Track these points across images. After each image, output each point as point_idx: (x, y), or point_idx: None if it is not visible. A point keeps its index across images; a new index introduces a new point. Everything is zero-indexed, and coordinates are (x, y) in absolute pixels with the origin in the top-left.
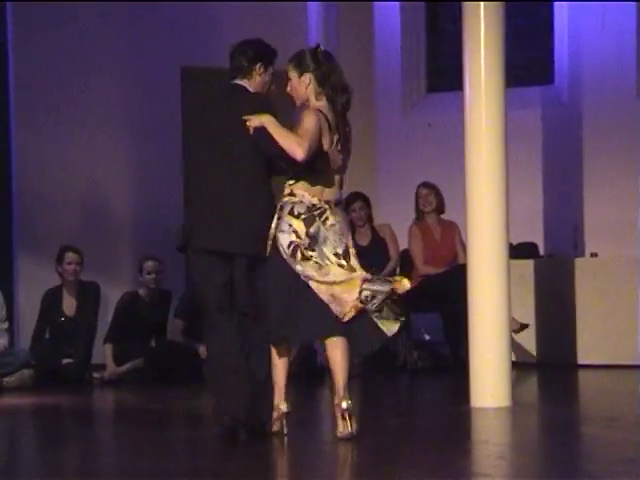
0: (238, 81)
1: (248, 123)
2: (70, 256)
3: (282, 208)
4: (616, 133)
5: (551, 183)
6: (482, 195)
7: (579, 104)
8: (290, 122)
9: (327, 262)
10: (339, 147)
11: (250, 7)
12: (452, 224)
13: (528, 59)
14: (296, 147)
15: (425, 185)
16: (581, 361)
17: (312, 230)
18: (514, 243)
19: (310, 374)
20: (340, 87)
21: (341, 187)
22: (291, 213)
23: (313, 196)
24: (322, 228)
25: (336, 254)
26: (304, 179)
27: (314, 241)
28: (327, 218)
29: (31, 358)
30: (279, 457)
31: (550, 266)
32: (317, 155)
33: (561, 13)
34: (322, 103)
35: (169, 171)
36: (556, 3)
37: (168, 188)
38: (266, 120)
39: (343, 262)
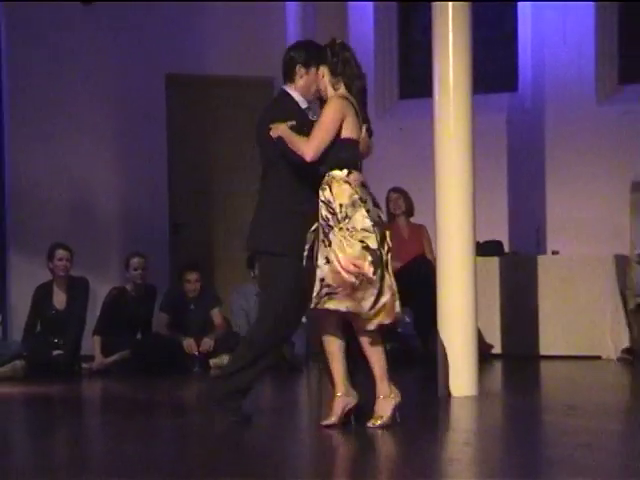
0: (284, 86)
1: (271, 133)
2: (60, 253)
3: (366, 200)
4: (576, 139)
5: (515, 185)
6: (451, 196)
7: (542, 111)
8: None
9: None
10: (366, 133)
11: (231, 11)
12: (421, 226)
13: (494, 68)
14: (303, 149)
15: (395, 190)
16: (543, 352)
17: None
18: (480, 241)
19: (288, 364)
20: (354, 76)
21: None
22: (376, 205)
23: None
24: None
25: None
26: (354, 169)
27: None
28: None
29: (23, 350)
30: (260, 445)
31: (514, 263)
32: (354, 145)
33: (525, 26)
34: (342, 91)
35: (154, 172)
36: (520, 18)
37: (153, 189)
38: (280, 129)
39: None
